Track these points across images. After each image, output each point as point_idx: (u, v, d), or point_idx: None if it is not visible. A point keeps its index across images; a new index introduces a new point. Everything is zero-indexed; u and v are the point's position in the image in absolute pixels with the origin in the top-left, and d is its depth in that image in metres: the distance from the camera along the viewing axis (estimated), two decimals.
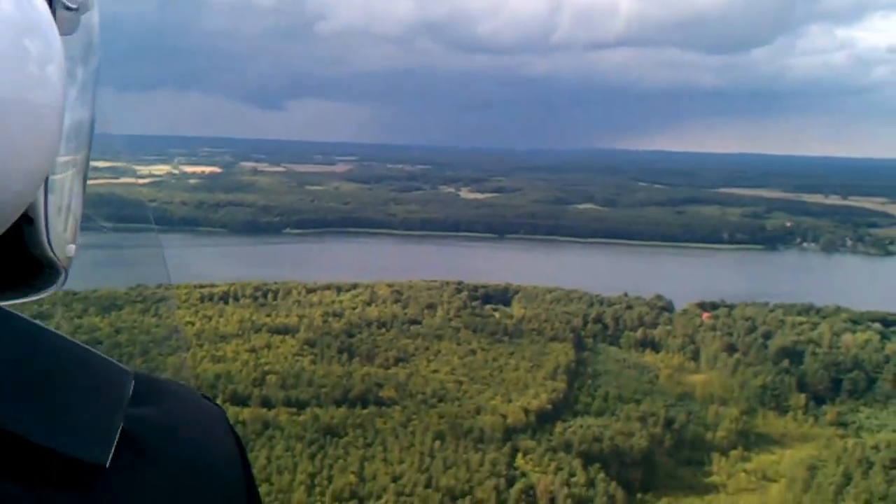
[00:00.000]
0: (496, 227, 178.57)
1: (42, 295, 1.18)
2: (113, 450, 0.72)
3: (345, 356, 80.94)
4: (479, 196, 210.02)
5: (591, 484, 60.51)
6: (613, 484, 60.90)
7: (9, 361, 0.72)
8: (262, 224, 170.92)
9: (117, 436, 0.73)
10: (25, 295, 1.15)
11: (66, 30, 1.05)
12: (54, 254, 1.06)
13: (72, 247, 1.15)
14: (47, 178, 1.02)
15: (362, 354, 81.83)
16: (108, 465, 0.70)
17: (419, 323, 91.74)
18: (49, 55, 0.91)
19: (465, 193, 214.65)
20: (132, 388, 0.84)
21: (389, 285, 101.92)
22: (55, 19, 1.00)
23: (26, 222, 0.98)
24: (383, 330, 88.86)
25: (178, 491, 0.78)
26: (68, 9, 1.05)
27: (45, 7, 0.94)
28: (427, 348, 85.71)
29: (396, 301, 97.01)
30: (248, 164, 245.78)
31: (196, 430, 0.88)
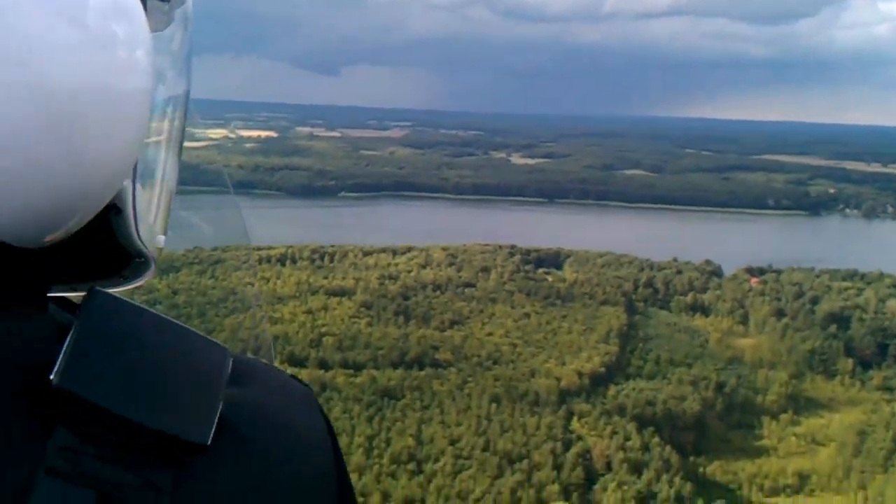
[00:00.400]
0: (546, 192, 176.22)
1: (132, 286, 1.19)
2: (213, 429, 0.74)
3: (401, 318, 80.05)
4: (530, 161, 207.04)
5: (645, 448, 59.40)
6: (668, 448, 59.75)
7: (110, 342, 0.73)
8: (317, 188, 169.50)
9: (217, 415, 0.75)
10: (116, 286, 1.16)
11: (157, 20, 1.03)
12: (143, 244, 1.05)
13: (161, 238, 1.15)
14: (136, 168, 1.01)
15: (418, 317, 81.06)
16: (209, 444, 0.72)
17: (473, 286, 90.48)
18: (137, 39, 0.89)
19: (516, 159, 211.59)
20: (230, 368, 0.85)
21: (444, 249, 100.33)
22: (146, 9, 0.97)
23: (114, 212, 0.98)
24: (438, 293, 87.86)
25: (272, 471, 0.79)
26: None
27: None
28: (481, 311, 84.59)
29: (451, 264, 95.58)
30: (304, 129, 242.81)
31: (288, 411, 0.89)
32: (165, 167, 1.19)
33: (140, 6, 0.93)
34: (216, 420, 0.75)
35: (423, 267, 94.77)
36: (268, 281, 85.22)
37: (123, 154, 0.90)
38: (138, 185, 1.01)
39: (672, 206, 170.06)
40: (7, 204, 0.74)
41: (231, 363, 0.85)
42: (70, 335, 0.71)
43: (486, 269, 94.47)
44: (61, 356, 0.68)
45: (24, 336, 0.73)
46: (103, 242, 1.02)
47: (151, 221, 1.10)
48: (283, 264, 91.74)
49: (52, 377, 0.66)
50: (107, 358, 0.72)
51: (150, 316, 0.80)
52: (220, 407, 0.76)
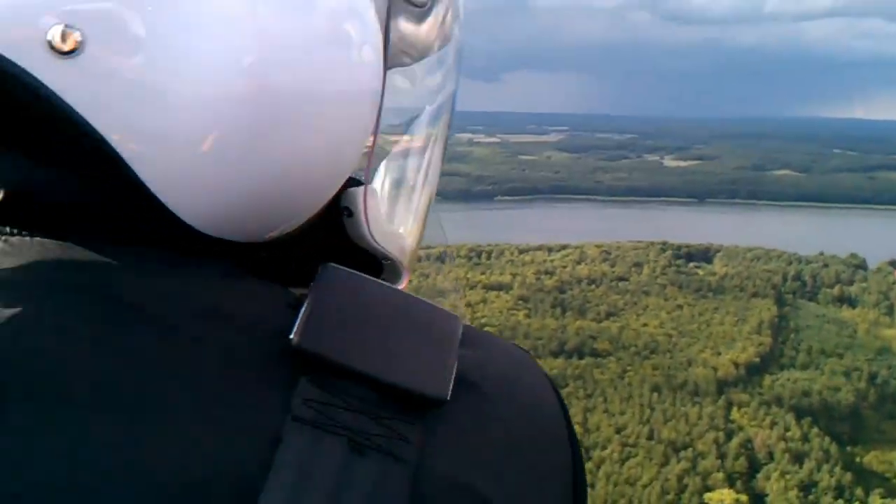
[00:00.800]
0: (697, 193, 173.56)
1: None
2: (451, 385, 0.72)
3: (558, 310, 79.08)
4: (682, 164, 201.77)
5: (804, 438, 57.66)
6: (826, 438, 58.03)
7: (344, 306, 0.74)
8: (475, 192, 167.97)
9: (453, 372, 0.73)
10: None
11: (410, 21, 0.94)
12: (381, 247, 0.98)
13: (407, 242, 1.06)
14: (368, 170, 0.95)
15: (574, 309, 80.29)
16: (448, 399, 0.72)
17: (627, 280, 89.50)
18: (365, 38, 0.83)
19: (669, 161, 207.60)
20: (461, 331, 0.82)
21: (598, 246, 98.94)
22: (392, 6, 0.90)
23: (346, 214, 0.93)
24: (593, 286, 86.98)
25: (511, 428, 0.77)
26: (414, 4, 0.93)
27: None
28: (636, 303, 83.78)
29: (605, 260, 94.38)
30: (465, 135, 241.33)
31: (520, 373, 0.85)
32: (417, 172, 1.13)
33: (372, 4, 0.84)
34: (453, 377, 0.74)
35: (578, 263, 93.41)
36: (427, 276, 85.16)
37: (344, 155, 0.86)
38: (374, 188, 0.95)
39: (818, 204, 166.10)
40: (228, 201, 0.75)
41: (461, 328, 0.83)
42: (307, 300, 0.73)
43: (638, 265, 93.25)
44: (299, 318, 0.70)
45: (261, 303, 0.75)
46: (352, 245, 0.98)
47: (393, 225, 1.05)
48: (442, 261, 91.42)
49: (291, 337, 0.68)
50: (342, 320, 0.73)
51: (379, 284, 0.81)
52: (456, 365, 0.75)
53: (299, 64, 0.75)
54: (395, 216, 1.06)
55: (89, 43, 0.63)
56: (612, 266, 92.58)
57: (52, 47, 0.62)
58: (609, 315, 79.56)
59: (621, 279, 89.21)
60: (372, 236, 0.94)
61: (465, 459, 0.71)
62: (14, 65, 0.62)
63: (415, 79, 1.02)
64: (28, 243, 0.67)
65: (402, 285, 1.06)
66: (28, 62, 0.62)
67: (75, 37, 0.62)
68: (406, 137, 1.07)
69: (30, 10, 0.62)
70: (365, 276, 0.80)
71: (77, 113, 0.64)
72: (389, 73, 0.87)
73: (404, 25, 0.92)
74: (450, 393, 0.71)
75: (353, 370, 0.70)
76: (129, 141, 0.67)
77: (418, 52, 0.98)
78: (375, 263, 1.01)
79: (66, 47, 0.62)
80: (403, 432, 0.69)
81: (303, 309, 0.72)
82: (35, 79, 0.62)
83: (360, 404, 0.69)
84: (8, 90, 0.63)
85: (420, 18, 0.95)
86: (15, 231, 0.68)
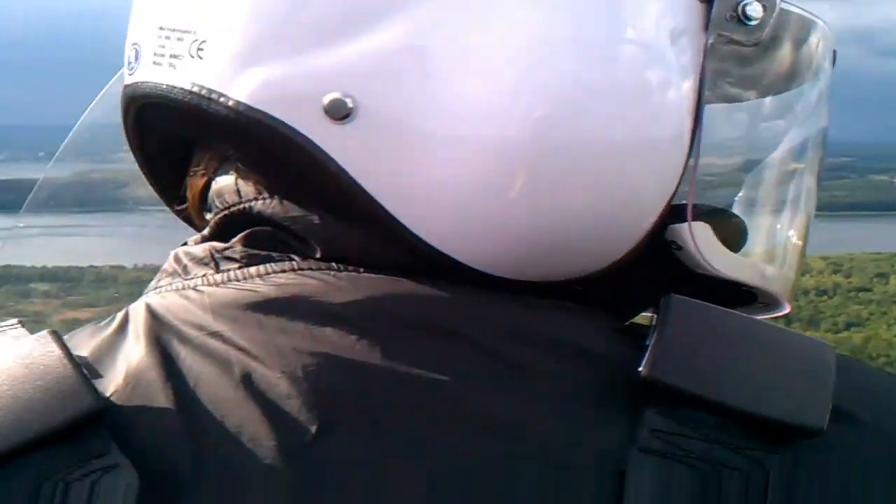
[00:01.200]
0: None
1: (773, 314, 0.98)
2: (827, 414, 0.65)
3: (781, 321, 60.82)
4: None
5: None
6: None
7: (694, 337, 0.69)
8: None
9: (829, 402, 0.66)
10: (759, 313, 0.96)
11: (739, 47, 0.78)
12: (728, 275, 0.85)
13: (770, 269, 0.96)
14: (690, 204, 0.82)
15: (803, 320, 62.40)
16: (823, 428, 0.64)
17: (869, 290, 71.27)
18: (670, 84, 0.74)
19: None
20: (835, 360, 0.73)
21: (824, 258, 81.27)
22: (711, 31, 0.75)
23: (675, 247, 0.84)
24: (825, 297, 69.40)
25: (886, 459, 0.69)
26: (744, 22, 0.75)
27: (665, 27, 0.73)
28: (884, 314, 65.45)
29: (835, 272, 76.75)
30: None
31: (889, 399, 0.75)
32: (780, 199, 1.02)
33: (668, 43, 0.74)
34: (829, 406, 0.66)
35: (802, 275, 75.24)
36: None
37: (642, 203, 0.77)
38: (700, 224, 0.82)
39: None
40: (511, 247, 0.70)
41: (834, 356, 0.74)
42: (654, 331, 0.68)
43: (882, 275, 75.43)
44: (649, 350, 0.65)
45: (591, 331, 0.72)
46: (699, 274, 0.86)
47: (723, 254, 0.87)
48: None
49: (640, 369, 0.63)
50: (692, 350, 0.68)
51: (730, 313, 0.74)
52: (831, 394, 0.67)
53: (593, 115, 0.69)
54: (757, 242, 0.95)
55: (363, 107, 0.63)
56: (847, 277, 75.70)
57: (327, 114, 0.63)
58: (850, 325, 62.97)
59: (861, 290, 72.30)
60: (710, 265, 0.84)
61: (842, 493, 0.66)
62: (296, 132, 0.64)
63: (760, 113, 0.96)
64: (357, 278, 0.67)
65: (782, 312, 1.00)
66: (307, 129, 0.64)
67: (349, 103, 0.63)
68: (765, 167, 0.98)
69: (308, 78, 0.64)
70: (713, 305, 0.73)
71: (350, 176, 0.65)
72: (722, 109, 0.85)
73: (730, 65, 0.82)
74: (826, 423, 0.64)
75: (705, 400, 0.64)
76: (400, 199, 0.66)
77: (758, 89, 0.91)
78: (737, 291, 0.90)
79: (341, 114, 0.63)
80: (766, 463, 0.63)
81: (651, 340, 0.67)
82: (314, 144, 0.64)
83: (716, 434, 0.64)
84: (294, 156, 0.65)
85: (753, 56, 0.84)
86: (342, 266, 0.67)
